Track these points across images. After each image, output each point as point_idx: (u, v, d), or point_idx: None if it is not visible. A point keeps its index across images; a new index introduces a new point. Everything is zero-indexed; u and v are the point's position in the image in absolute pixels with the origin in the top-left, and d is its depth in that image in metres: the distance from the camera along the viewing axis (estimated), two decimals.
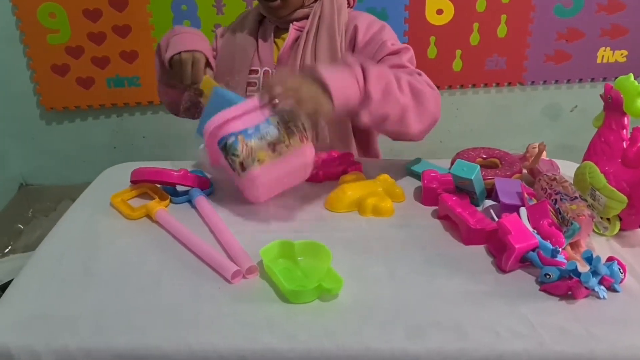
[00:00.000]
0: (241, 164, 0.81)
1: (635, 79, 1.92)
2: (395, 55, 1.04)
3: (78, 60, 1.76)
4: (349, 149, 1.17)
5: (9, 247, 1.68)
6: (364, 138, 1.21)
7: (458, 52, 1.82)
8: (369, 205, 0.89)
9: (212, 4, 1.72)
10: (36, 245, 1.64)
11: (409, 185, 0.98)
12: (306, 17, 1.10)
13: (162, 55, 1.04)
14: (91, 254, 0.81)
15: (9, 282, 1.33)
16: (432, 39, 1.79)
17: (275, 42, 1.14)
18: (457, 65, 1.84)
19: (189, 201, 0.94)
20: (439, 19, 1.78)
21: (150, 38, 1.75)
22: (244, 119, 0.80)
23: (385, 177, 0.96)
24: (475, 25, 1.79)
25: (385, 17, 1.74)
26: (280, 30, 1.13)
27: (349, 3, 1.15)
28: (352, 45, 1.09)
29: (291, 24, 1.11)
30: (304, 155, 0.84)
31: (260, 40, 1.14)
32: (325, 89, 0.80)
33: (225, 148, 0.81)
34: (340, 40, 1.09)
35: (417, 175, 1.00)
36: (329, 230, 0.85)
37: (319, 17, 1.09)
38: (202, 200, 0.91)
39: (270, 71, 1.12)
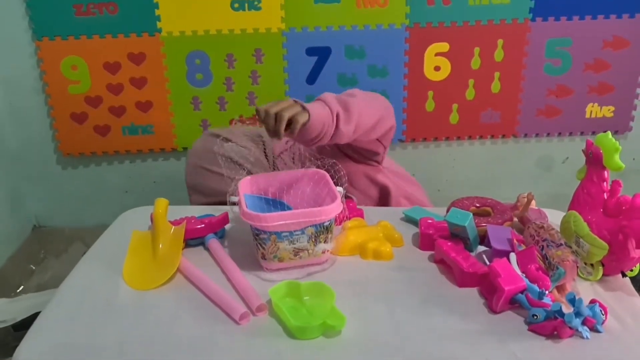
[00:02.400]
0: (263, 254, 0.88)
1: (621, 133, 2.01)
2: None
3: (96, 109, 1.86)
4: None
5: (21, 287, 1.71)
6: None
7: (455, 106, 1.92)
8: (370, 250, 0.94)
9: (224, 59, 1.83)
10: (48, 285, 1.70)
11: (407, 231, 1.04)
12: None
13: None
14: (112, 290, 0.86)
15: (23, 320, 1.37)
16: (430, 93, 1.89)
17: None
18: (453, 118, 1.93)
19: (202, 244, 1.00)
20: (437, 75, 1.88)
21: (164, 89, 1.85)
22: (286, 224, 0.85)
23: (385, 223, 1.02)
24: (471, 82, 1.89)
25: (386, 73, 1.84)
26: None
27: None
28: None
29: None
30: (319, 261, 0.92)
31: None
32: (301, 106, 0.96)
33: (256, 236, 0.87)
34: None
35: (414, 222, 1.06)
36: (333, 272, 0.91)
37: None
38: (214, 243, 0.97)
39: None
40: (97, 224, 1.97)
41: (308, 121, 0.94)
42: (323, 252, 0.91)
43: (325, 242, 0.90)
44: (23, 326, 1.39)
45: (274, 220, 0.84)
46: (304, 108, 0.95)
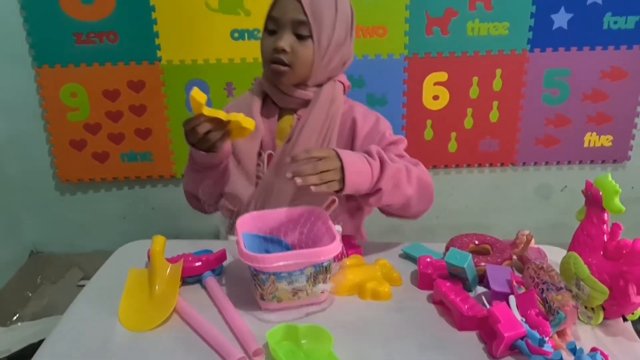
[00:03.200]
0: (261, 295, 0.87)
1: (620, 162, 2.02)
2: (394, 145, 1.13)
3: (95, 136, 1.86)
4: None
5: (17, 315, 1.70)
6: (354, 220, 1.25)
7: (453, 135, 1.92)
8: (368, 290, 0.93)
9: (224, 87, 1.84)
10: (43, 313, 1.69)
11: (406, 268, 1.02)
12: (308, 102, 1.14)
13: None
14: (108, 330, 0.85)
15: (18, 352, 1.36)
16: (429, 122, 1.90)
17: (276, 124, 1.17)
18: (452, 146, 1.94)
19: (200, 281, 0.99)
20: (435, 104, 1.89)
21: (164, 117, 1.86)
22: (285, 265, 0.84)
23: (384, 262, 1.01)
24: (469, 110, 1.90)
25: (385, 102, 1.86)
26: (282, 111, 1.17)
27: (343, 89, 1.18)
28: (352, 137, 1.15)
29: (295, 114, 1.15)
30: (317, 300, 0.91)
31: (263, 124, 1.16)
32: (342, 170, 0.91)
33: (255, 277, 0.86)
34: (330, 131, 1.13)
35: (412, 259, 1.06)
36: (331, 313, 0.89)
37: (314, 105, 1.12)
38: (211, 282, 0.96)
39: (273, 154, 1.14)
40: (95, 250, 1.97)
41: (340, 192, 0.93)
42: (322, 293, 0.90)
43: (324, 281, 0.89)
44: (18, 358, 1.38)
45: (273, 261, 0.83)
46: (342, 174, 0.91)
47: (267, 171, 1.14)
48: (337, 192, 0.93)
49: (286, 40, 1.06)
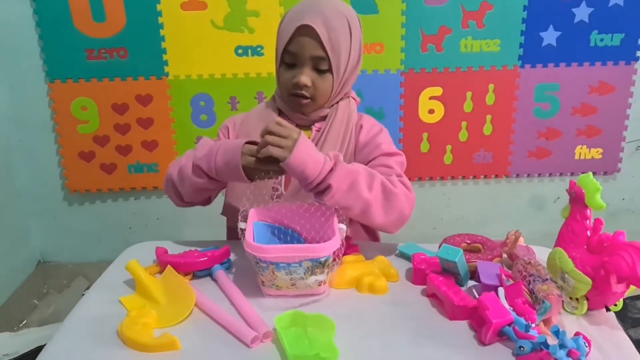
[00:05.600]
0: (262, 281, 0.93)
1: (610, 174, 2.08)
2: (386, 156, 1.15)
3: (103, 148, 1.93)
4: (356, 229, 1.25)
5: (24, 322, 1.74)
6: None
7: (448, 147, 1.99)
8: (365, 283, 0.97)
9: (227, 101, 1.91)
10: (50, 320, 1.73)
11: (402, 266, 1.06)
12: (324, 118, 1.17)
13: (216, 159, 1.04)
14: (118, 321, 0.90)
15: (26, 354, 1.40)
16: (425, 135, 1.97)
17: None
18: (447, 158, 2.00)
19: (209, 274, 1.04)
20: (431, 118, 1.96)
21: (170, 129, 1.93)
22: (284, 256, 0.89)
23: (381, 258, 1.06)
24: (464, 124, 1.96)
25: (382, 116, 1.93)
26: (297, 126, 1.14)
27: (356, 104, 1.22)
28: (355, 144, 1.18)
29: (313, 126, 1.18)
30: (317, 292, 0.96)
31: None
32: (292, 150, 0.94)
33: (257, 264, 0.91)
34: (348, 142, 1.17)
35: (408, 258, 1.10)
36: (330, 304, 0.93)
37: (333, 119, 1.15)
38: (221, 274, 1.01)
39: None
40: (100, 259, 2.01)
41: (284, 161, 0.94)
42: (319, 285, 0.94)
43: (320, 274, 0.93)
44: (26, 359, 1.41)
45: (272, 252, 0.88)
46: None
47: (290, 187, 1.15)
48: (280, 163, 0.94)
49: (307, 76, 1.07)
